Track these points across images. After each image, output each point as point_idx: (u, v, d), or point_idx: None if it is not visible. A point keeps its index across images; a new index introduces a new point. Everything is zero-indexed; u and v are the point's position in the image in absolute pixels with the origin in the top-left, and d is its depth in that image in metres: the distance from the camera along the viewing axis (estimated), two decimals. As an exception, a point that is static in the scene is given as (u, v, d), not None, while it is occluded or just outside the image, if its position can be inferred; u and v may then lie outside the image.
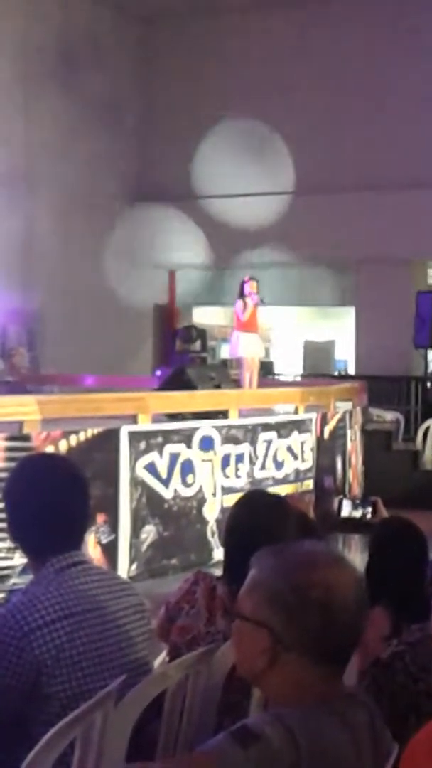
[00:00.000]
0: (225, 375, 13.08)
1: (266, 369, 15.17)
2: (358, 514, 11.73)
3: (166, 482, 9.65)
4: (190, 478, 9.94)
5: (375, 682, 3.04)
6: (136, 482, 9.30)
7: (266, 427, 11.20)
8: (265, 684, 2.25)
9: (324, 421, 12.27)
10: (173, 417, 10.39)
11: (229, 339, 13.94)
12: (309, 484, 11.75)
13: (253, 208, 18.71)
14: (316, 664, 2.15)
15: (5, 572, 7.84)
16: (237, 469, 10.59)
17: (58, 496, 3.07)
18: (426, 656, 3.04)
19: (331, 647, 2.15)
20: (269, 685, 2.23)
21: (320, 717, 2.13)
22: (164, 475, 9.62)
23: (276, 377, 18.49)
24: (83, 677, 2.91)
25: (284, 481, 11.26)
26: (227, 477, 10.43)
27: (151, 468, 9.47)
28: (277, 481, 11.12)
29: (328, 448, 12.32)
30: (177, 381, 11.71)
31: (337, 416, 12.70)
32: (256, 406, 11.89)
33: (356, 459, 13.31)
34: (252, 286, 13.11)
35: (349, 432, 13.05)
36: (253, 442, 10.88)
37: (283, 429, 11.46)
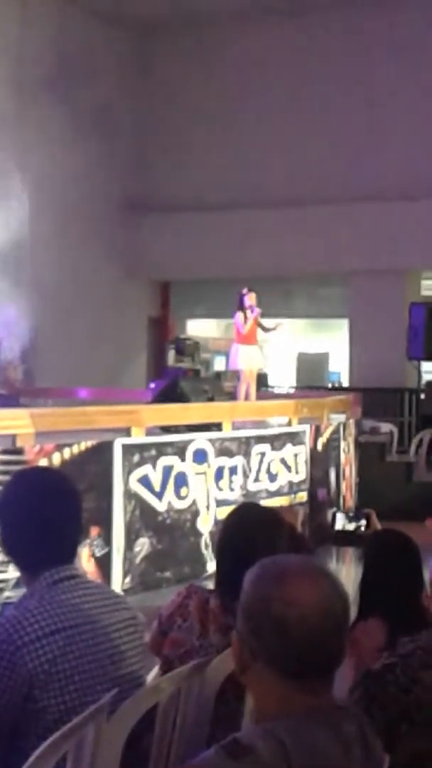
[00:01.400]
0: (218, 388, 13.09)
1: (260, 381, 15.17)
2: (351, 526, 11.75)
3: (159, 495, 9.64)
4: (183, 491, 9.94)
5: (367, 692, 3.05)
6: (129, 495, 9.30)
7: (260, 439, 11.21)
8: (251, 693, 2.27)
9: (317, 433, 12.28)
10: (167, 430, 10.39)
11: (229, 351, 13.97)
12: (303, 496, 11.75)
13: (248, 220, 18.75)
14: (284, 677, 2.15)
15: (-1, 586, 7.83)
16: (231, 482, 10.59)
17: (51, 510, 3.07)
18: (417, 667, 3.05)
19: (291, 661, 2.15)
20: (253, 695, 2.25)
21: (311, 729, 2.13)
22: (158, 488, 9.62)
23: (269, 389, 18.50)
24: (76, 691, 2.91)
25: (278, 493, 11.26)
26: (221, 489, 10.43)
27: (145, 481, 9.47)
28: (271, 494, 11.12)
29: (321, 461, 12.33)
30: (170, 394, 11.72)
31: (331, 428, 12.71)
32: (250, 419, 11.90)
33: (350, 471, 13.32)
34: (251, 298, 13.14)
35: (342, 444, 13.06)
36: (247, 455, 10.89)
37: (277, 441, 11.46)
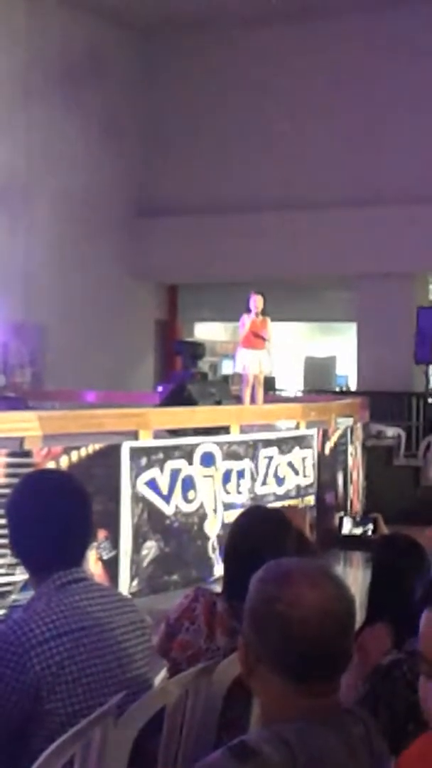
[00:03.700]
0: (226, 391, 13.08)
1: (267, 385, 15.15)
2: (358, 531, 11.73)
3: (167, 498, 9.65)
4: (191, 494, 9.94)
5: (373, 690, 3.05)
6: (137, 498, 9.30)
7: (267, 443, 11.21)
8: (256, 696, 2.27)
9: (325, 436, 12.27)
10: (174, 433, 10.39)
11: (233, 355, 13.93)
12: (310, 500, 11.75)
13: (255, 223, 18.75)
14: (289, 680, 2.16)
15: (6, 588, 7.84)
16: (238, 485, 10.60)
17: (60, 513, 3.08)
18: None
19: (295, 663, 2.15)
20: (259, 698, 2.26)
21: (318, 732, 2.13)
22: (165, 491, 9.63)
23: (277, 393, 18.50)
24: (83, 693, 2.91)
25: (285, 497, 11.25)
26: (228, 493, 10.43)
27: (152, 484, 9.48)
28: (278, 497, 11.11)
29: (329, 464, 12.33)
30: (178, 397, 11.72)
31: (339, 432, 12.71)
32: (258, 422, 11.90)
33: (357, 475, 13.31)
34: (258, 301, 13.09)
35: (350, 448, 13.05)
36: (254, 458, 10.89)
37: (284, 445, 11.46)
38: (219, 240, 18.86)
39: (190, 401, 11.47)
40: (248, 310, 12.75)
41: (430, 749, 1.89)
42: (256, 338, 12.62)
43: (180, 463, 9.83)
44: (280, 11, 18.00)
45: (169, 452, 9.73)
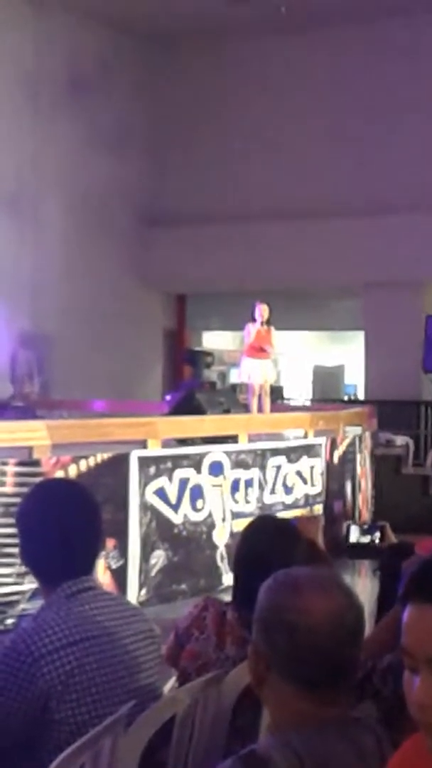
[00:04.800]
0: (234, 400, 13.08)
1: (276, 394, 15.16)
2: (366, 539, 11.72)
3: (175, 507, 9.65)
4: (199, 503, 9.94)
5: (381, 680, 3.06)
6: (145, 507, 9.30)
7: (276, 451, 11.20)
8: (266, 705, 2.28)
9: (333, 445, 12.27)
10: (183, 442, 10.40)
11: (239, 363, 13.92)
12: (318, 508, 11.74)
13: (263, 232, 18.77)
14: (299, 688, 2.16)
15: (15, 597, 7.85)
16: (246, 494, 10.59)
17: (70, 522, 3.08)
18: None
19: (304, 671, 2.15)
20: (269, 707, 2.26)
21: (327, 741, 2.14)
22: (174, 500, 9.63)
23: (285, 402, 18.50)
24: (93, 703, 2.91)
25: (294, 506, 11.25)
26: (237, 502, 10.43)
27: (161, 493, 9.48)
28: (287, 506, 11.11)
29: (337, 473, 12.32)
30: (187, 406, 11.72)
31: (347, 441, 12.70)
32: (266, 431, 11.90)
33: (366, 484, 13.30)
34: (263, 310, 13.08)
35: (358, 457, 13.04)
36: (263, 467, 10.88)
37: (293, 454, 11.46)
38: (227, 249, 18.87)
39: (198, 410, 11.47)
40: (253, 320, 12.75)
41: (415, 753, 1.89)
42: (259, 349, 12.62)
43: (188, 472, 9.83)
44: (286, 21, 18.02)
45: (177, 461, 9.73)
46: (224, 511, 10.23)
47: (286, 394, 20.12)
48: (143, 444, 9.57)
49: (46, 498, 3.17)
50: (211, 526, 10.05)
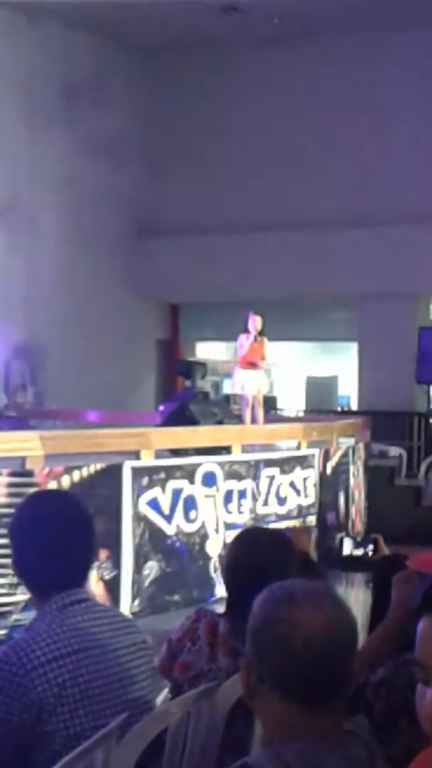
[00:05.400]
0: (227, 411, 13.07)
1: (269, 404, 15.15)
2: (359, 552, 11.70)
3: (168, 518, 9.65)
4: (192, 514, 9.94)
5: (379, 680, 3.05)
6: (138, 518, 9.30)
7: (269, 462, 11.21)
8: (258, 717, 2.28)
9: (326, 456, 12.27)
10: (176, 453, 10.39)
11: (232, 374, 13.91)
12: (312, 520, 11.74)
13: (257, 243, 18.79)
14: (291, 701, 2.15)
15: (7, 608, 7.83)
16: (240, 505, 10.59)
17: (63, 534, 3.08)
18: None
19: (297, 684, 2.15)
20: (261, 720, 2.26)
21: (320, 753, 2.13)
22: (167, 511, 9.62)
23: (278, 413, 18.49)
24: (85, 715, 2.91)
25: (287, 517, 11.25)
26: (230, 513, 10.43)
27: (154, 504, 9.48)
28: (280, 517, 11.11)
29: (330, 484, 12.32)
30: (180, 416, 11.72)
31: (340, 452, 12.70)
32: (259, 442, 11.90)
33: (359, 495, 13.30)
34: (256, 321, 13.07)
35: (351, 468, 13.05)
36: (256, 478, 10.88)
37: (286, 465, 11.46)
38: (220, 260, 18.89)
39: (191, 421, 11.47)
40: (246, 331, 12.75)
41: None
42: (252, 362, 12.61)
43: (181, 483, 9.83)
44: (280, 34, 18.08)
45: (170, 472, 9.73)
46: (217, 521, 10.23)
47: (279, 405, 20.10)
48: (136, 455, 9.57)
49: (38, 509, 3.16)
50: (204, 537, 10.05)
